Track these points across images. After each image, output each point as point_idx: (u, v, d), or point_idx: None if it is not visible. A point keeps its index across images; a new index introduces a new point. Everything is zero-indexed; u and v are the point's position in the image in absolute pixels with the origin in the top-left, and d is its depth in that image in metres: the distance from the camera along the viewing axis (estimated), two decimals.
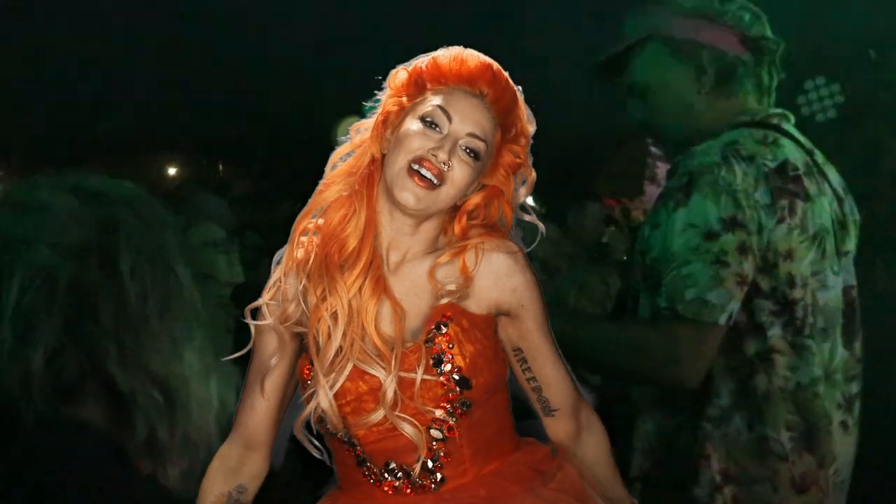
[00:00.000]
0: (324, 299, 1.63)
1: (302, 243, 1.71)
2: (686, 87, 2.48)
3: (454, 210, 1.72)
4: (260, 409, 1.71)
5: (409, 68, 1.71)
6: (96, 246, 1.46)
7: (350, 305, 1.62)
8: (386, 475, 1.66)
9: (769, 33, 2.48)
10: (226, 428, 1.66)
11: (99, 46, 6.58)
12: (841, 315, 2.32)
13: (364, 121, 1.76)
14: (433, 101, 1.66)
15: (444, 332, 1.62)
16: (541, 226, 1.78)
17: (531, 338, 1.74)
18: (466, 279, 1.68)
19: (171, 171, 9.49)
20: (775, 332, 2.25)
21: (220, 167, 9.07)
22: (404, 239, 1.70)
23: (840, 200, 2.37)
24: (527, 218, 1.78)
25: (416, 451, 1.62)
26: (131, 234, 1.51)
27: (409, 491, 1.65)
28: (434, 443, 1.63)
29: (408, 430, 1.60)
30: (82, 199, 1.51)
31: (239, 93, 6.96)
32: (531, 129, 1.75)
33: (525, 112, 1.74)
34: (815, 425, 2.26)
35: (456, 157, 1.63)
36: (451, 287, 1.67)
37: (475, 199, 1.72)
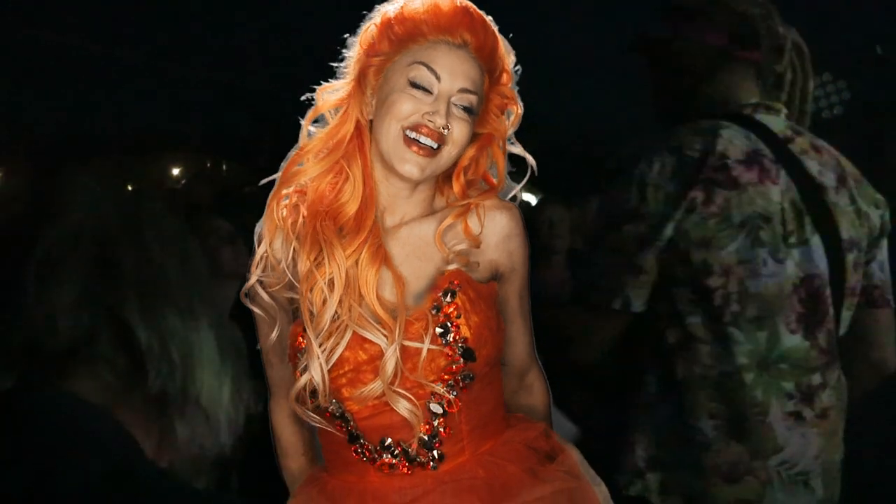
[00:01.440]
0: (318, 265, 1.58)
1: (285, 205, 1.66)
2: (669, 84, 2.55)
3: (449, 167, 1.66)
4: (291, 370, 1.67)
5: (379, 22, 1.62)
6: (120, 210, 1.49)
7: (347, 273, 1.57)
8: (382, 453, 1.59)
9: (775, 28, 2.46)
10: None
11: (101, 44, 6.57)
12: (795, 303, 2.30)
13: (332, 83, 1.68)
14: (415, 58, 1.58)
15: (451, 300, 1.57)
16: (530, 159, 1.73)
17: (511, 299, 1.74)
18: (474, 240, 1.66)
19: (175, 170, 9.50)
20: (694, 321, 2.27)
21: (224, 167, 9.09)
22: (401, 202, 1.66)
23: (819, 188, 2.33)
24: (516, 151, 1.73)
25: (412, 425, 1.56)
26: (151, 215, 1.53)
27: (406, 469, 1.59)
28: (434, 418, 1.58)
29: (404, 407, 1.55)
30: (102, 186, 1.56)
31: (243, 91, 6.97)
32: (511, 59, 1.69)
33: (504, 45, 1.67)
34: (742, 414, 2.26)
35: (452, 116, 1.57)
36: (461, 247, 1.64)
37: (470, 153, 1.68)
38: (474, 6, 1.62)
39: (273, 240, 1.65)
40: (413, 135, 1.56)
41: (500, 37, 1.65)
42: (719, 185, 2.27)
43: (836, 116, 4.23)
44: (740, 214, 2.27)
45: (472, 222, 1.67)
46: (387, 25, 1.60)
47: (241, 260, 3.37)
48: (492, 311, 1.64)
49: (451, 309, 1.57)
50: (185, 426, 1.48)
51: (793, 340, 2.30)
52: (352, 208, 1.61)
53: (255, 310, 1.68)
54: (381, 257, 1.59)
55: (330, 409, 1.58)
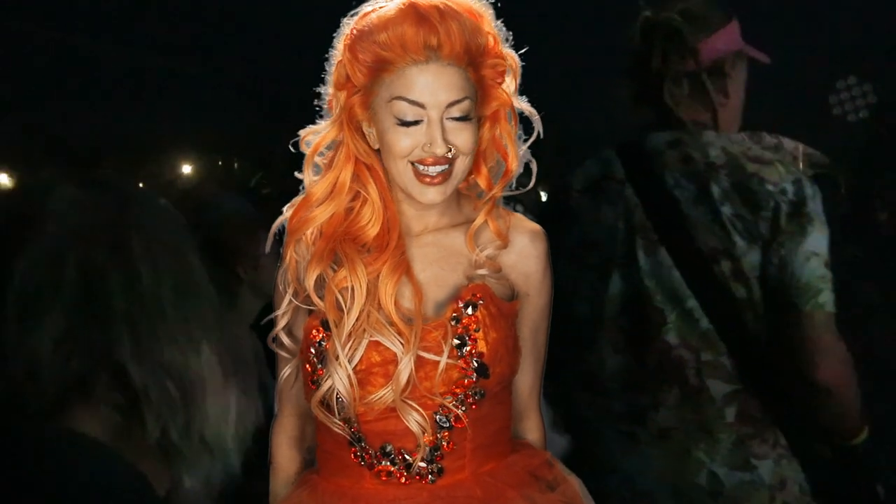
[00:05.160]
0: (337, 276, 1.54)
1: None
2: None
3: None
4: (301, 365, 1.62)
5: (344, 59, 1.54)
6: (105, 226, 1.39)
7: (368, 285, 1.54)
8: (382, 459, 1.54)
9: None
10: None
11: (112, 43, 6.56)
12: (623, 323, 2.35)
13: (317, 126, 1.64)
14: (392, 93, 1.50)
15: (472, 313, 1.52)
16: (535, 115, 1.64)
17: (522, 328, 1.67)
18: (502, 238, 1.61)
19: (186, 169, 9.46)
20: None
21: (236, 166, 9.05)
22: (425, 212, 1.62)
23: (674, 202, 2.26)
24: (523, 107, 1.64)
25: (417, 437, 1.51)
26: (141, 217, 1.43)
27: (403, 479, 1.53)
28: (439, 430, 1.53)
29: (414, 420, 1.50)
30: (88, 189, 1.45)
31: (255, 89, 6.93)
32: (489, 17, 1.56)
33: (476, 10, 1.54)
34: (578, 433, 2.37)
35: (451, 132, 1.50)
36: (489, 251, 1.60)
37: (486, 135, 1.62)
38: (426, 2, 1.48)
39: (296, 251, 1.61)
40: (422, 168, 1.52)
41: (465, 10, 1.52)
42: (559, 216, 2.38)
43: (861, 120, 4.13)
44: (572, 241, 2.35)
45: (500, 223, 1.63)
46: (352, 61, 1.53)
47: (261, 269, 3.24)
48: (511, 331, 1.60)
49: (472, 321, 1.52)
50: (191, 475, 1.41)
51: (619, 360, 2.30)
52: (373, 231, 1.58)
53: (280, 352, 1.65)
54: (403, 269, 1.55)
55: (335, 408, 1.54)
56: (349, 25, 1.55)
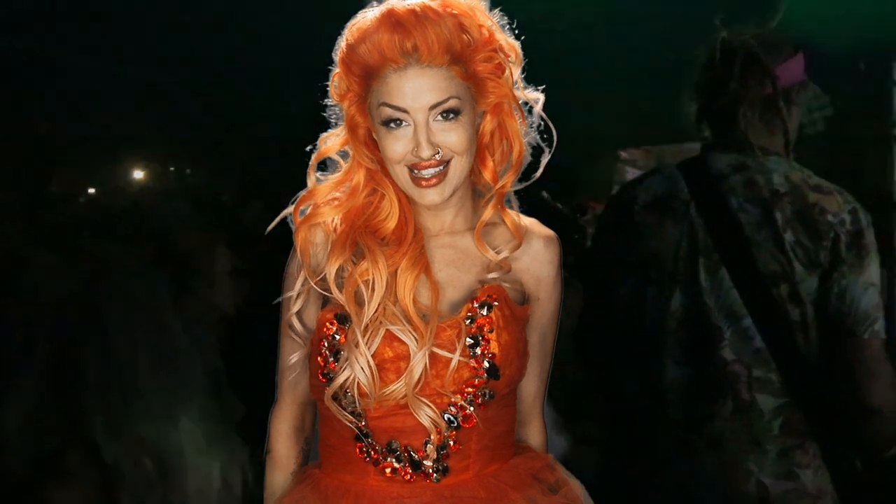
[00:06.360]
0: (358, 267, 1.58)
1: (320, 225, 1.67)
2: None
3: (471, 166, 1.66)
4: (309, 359, 1.67)
5: (343, 69, 1.62)
6: (79, 297, 1.37)
7: (387, 278, 1.57)
8: (387, 455, 1.57)
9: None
10: None
11: (64, 48, 6.43)
12: (683, 336, 2.44)
13: (333, 130, 1.70)
14: (378, 99, 1.55)
15: (487, 314, 1.55)
16: (540, 99, 1.68)
17: (531, 333, 1.71)
18: (518, 234, 1.64)
19: (137, 175, 9.29)
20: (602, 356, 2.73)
21: (188, 172, 8.94)
22: (440, 210, 1.66)
23: (736, 225, 2.37)
24: (530, 97, 1.68)
25: (425, 434, 1.55)
26: (120, 282, 1.43)
27: (408, 477, 1.57)
28: (447, 429, 1.56)
29: (425, 415, 1.53)
30: (65, 257, 1.44)
31: (212, 96, 6.85)
32: (481, 12, 1.59)
33: (468, 8, 1.57)
34: (632, 439, 2.62)
35: (438, 133, 1.53)
36: (505, 254, 1.63)
37: (488, 128, 1.64)
38: (402, 6, 1.52)
39: (315, 240, 1.66)
40: (416, 172, 1.54)
41: (449, 7, 1.54)
42: (621, 229, 2.49)
43: (818, 133, 4.19)
44: (635, 255, 2.46)
45: (516, 222, 1.67)
46: (346, 73, 1.59)
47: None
48: (522, 334, 1.62)
49: (486, 322, 1.54)
50: None
51: (678, 372, 2.41)
52: (391, 224, 1.61)
53: (286, 339, 1.69)
54: (422, 265, 1.57)
55: (343, 402, 1.56)
56: (342, 37, 1.61)
